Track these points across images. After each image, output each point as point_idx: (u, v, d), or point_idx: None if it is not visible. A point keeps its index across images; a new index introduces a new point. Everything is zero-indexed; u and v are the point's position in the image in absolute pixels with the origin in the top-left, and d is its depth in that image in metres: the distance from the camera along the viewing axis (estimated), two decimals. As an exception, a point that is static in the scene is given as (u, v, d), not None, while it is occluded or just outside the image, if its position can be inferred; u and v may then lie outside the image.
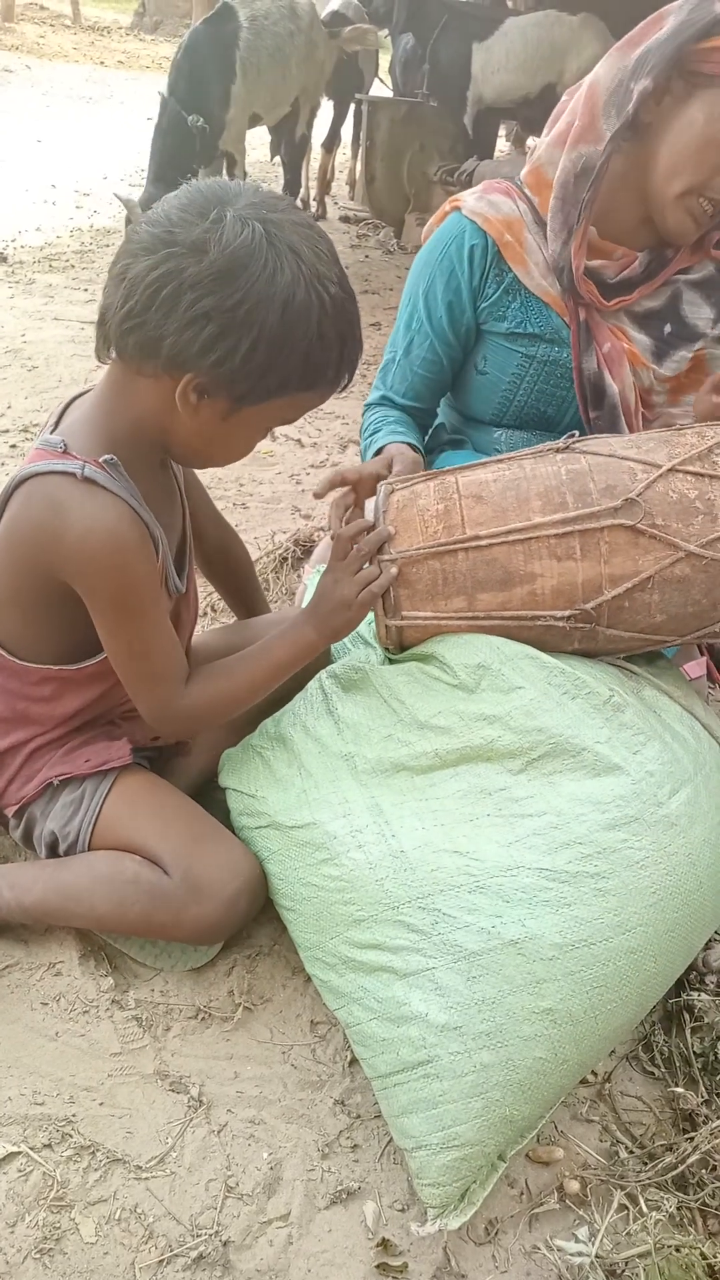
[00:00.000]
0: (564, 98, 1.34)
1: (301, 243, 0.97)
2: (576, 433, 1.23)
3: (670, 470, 1.12)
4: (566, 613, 1.15)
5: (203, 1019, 1.19)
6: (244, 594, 1.56)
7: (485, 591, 1.16)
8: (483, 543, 1.14)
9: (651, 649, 1.22)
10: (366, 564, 1.17)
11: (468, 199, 1.41)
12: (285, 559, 2.18)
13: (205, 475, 2.62)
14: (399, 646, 1.24)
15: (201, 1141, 1.06)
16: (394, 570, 1.16)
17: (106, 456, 1.04)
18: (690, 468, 1.12)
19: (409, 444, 1.42)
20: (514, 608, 1.16)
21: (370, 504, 1.22)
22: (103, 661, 1.16)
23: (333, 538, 1.19)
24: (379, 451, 1.42)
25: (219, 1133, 1.08)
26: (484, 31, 5.50)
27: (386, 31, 5.87)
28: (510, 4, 7.18)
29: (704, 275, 1.41)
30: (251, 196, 0.97)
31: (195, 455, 1.12)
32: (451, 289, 1.42)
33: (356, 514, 1.25)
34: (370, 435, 1.49)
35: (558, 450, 1.20)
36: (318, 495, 1.24)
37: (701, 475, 1.12)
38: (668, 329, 1.40)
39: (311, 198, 6.19)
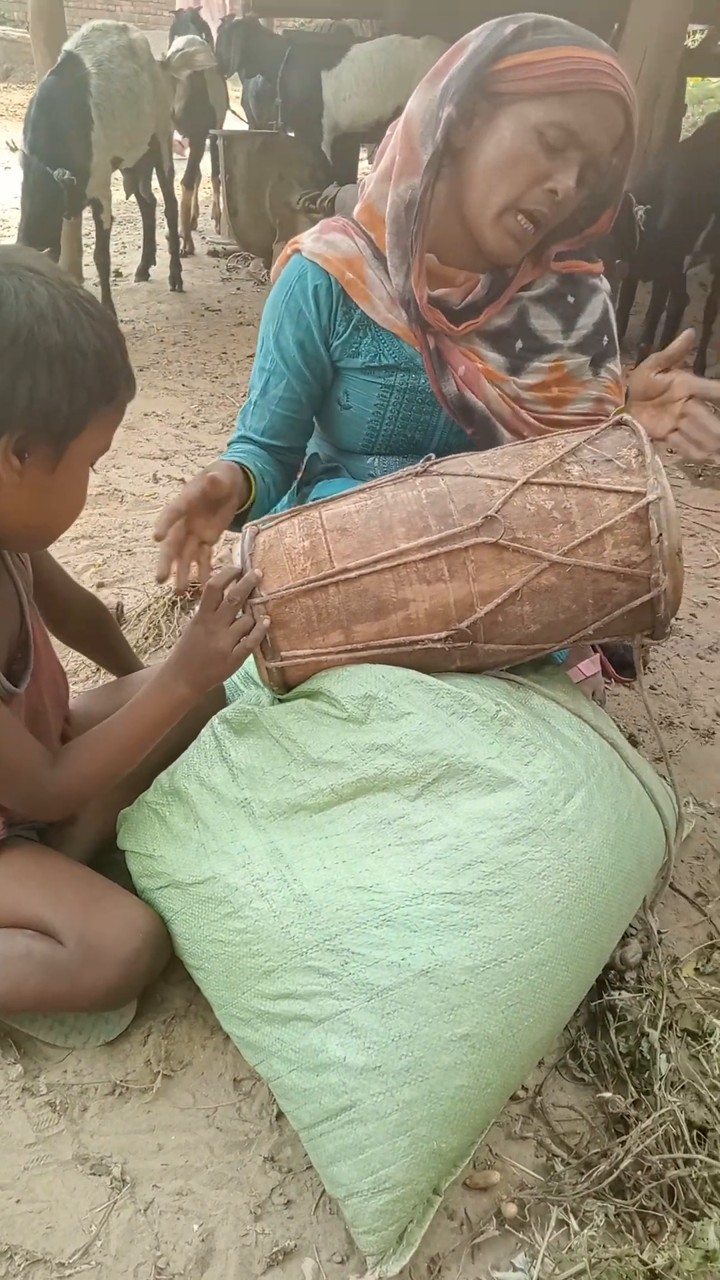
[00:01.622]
0: (387, 133, 1.35)
1: (35, 263, 0.93)
2: (433, 455, 1.24)
3: (525, 484, 1.13)
4: (443, 634, 1.15)
5: (120, 1094, 1.15)
6: (116, 654, 1.54)
7: (360, 623, 1.16)
8: (352, 575, 1.14)
9: (532, 658, 1.24)
10: (240, 612, 1.16)
11: (305, 240, 1.41)
12: (175, 603, 2.14)
13: (87, 524, 2.58)
14: (283, 686, 1.22)
15: (127, 1224, 1.02)
16: (266, 621, 1.15)
17: None
18: (544, 479, 1.14)
19: (236, 463, 1.36)
20: (391, 635, 1.16)
21: (236, 549, 1.21)
22: None
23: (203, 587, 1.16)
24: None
25: (145, 1211, 1.04)
26: (331, 60, 5.60)
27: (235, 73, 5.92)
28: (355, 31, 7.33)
29: (547, 289, 1.43)
30: None
31: (36, 530, 1.06)
32: (302, 329, 1.41)
33: (192, 541, 1.20)
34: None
35: (417, 474, 1.21)
36: (158, 537, 1.17)
37: (556, 485, 1.14)
38: (519, 345, 1.42)
39: (179, 233, 6.18)
